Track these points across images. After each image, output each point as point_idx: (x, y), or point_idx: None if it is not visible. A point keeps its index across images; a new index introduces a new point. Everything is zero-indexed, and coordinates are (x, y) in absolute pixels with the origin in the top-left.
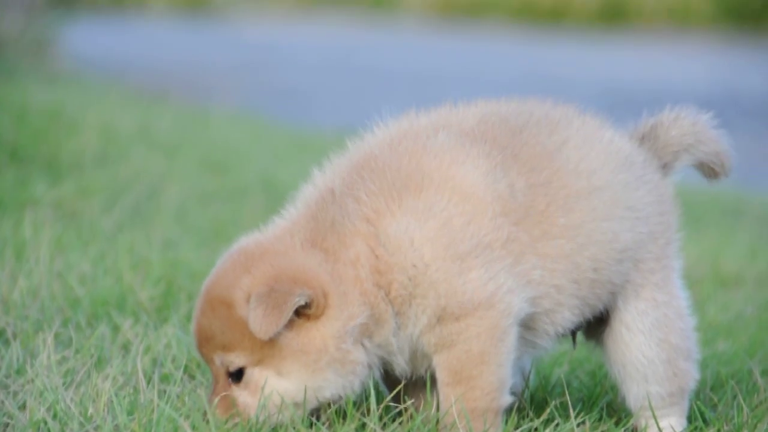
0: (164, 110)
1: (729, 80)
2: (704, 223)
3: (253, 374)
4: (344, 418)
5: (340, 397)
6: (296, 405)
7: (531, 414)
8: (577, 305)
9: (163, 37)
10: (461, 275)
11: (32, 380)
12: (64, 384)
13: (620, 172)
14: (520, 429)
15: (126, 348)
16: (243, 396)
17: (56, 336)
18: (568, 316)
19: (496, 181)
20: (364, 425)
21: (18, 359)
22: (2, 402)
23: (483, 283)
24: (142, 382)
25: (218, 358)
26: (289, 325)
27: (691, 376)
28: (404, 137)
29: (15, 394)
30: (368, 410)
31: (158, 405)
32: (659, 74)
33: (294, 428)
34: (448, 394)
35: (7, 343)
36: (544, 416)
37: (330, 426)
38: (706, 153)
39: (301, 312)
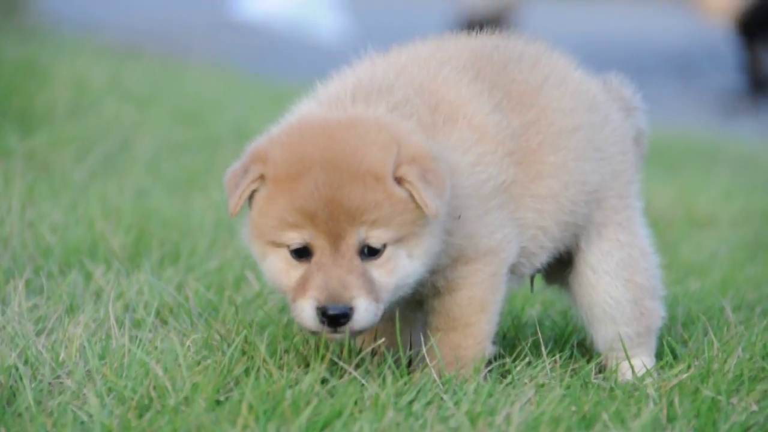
0: (137, 64)
1: (705, 34)
2: (679, 166)
3: (392, 252)
4: (316, 357)
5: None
6: (409, 286)
7: (503, 352)
8: (551, 249)
9: None
10: (482, 218)
11: (3, 327)
12: (35, 331)
13: (590, 113)
14: (491, 366)
15: (98, 295)
16: (378, 273)
17: (27, 284)
18: (544, 259)
19: (501, 120)
20: (336, 366)
21: None
22: None
23: (494, 229)
24: (114, 328)
25: (359, 233)
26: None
27: (657, 314)
28: (419, 66)
29: None
30: (341, 351)
31: (129, 349)
32: (635, 27)
33: (266, 368)
34: (441, 340)
35: None
36: (517, 354)
37: (305, 366)
38: (643, 123)
39: None
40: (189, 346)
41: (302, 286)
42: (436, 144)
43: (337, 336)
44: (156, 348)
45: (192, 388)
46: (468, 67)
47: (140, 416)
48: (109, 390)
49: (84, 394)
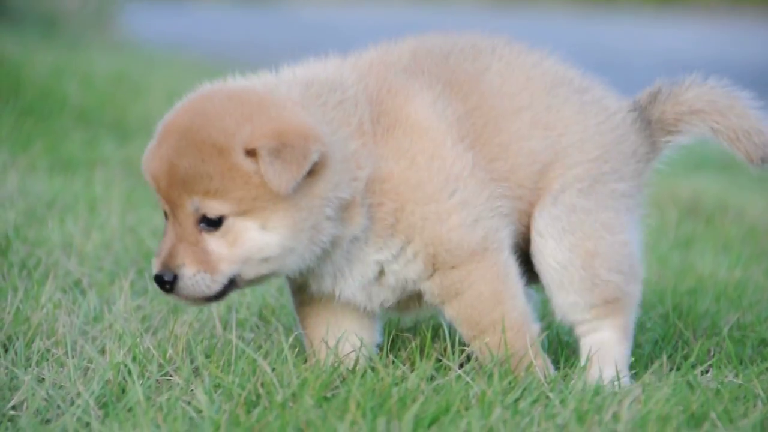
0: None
1: None
2: None
3: (234, 224)
4: (422, 355)
5: (290, 271)
6: (266, 261)
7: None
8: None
9: (220, 21)
10: (444, 222)
11: (110, 326)
12: (142, 329)
13: (542, 95)
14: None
15: None
16: (217, 245)
17: (131, 285)
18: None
19: (444, 108)
20: (441, 363)
21: (95, 308)
22: (82, 346)
23: (468, 230)
24: (218, 328)
25: (193, 203)
26: None
27: (618, 288)
28: (368, 73)
29: (94, 339)
30: (445, 349)
31: (237, 346)
32: (715, 47)
33: (371, 367)
34: (481, 347)
35: (83, 292)
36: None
37: (411, 364)
38: (724, 125)
39: None
40: (294, 344)
41: None
42: (372, 150)
43: (180, 301)
44: (261, 346)
45: (299, 384)
46: (406, 69)
47: (248, 412)
48: (217, 386)
49: (192, 390)
